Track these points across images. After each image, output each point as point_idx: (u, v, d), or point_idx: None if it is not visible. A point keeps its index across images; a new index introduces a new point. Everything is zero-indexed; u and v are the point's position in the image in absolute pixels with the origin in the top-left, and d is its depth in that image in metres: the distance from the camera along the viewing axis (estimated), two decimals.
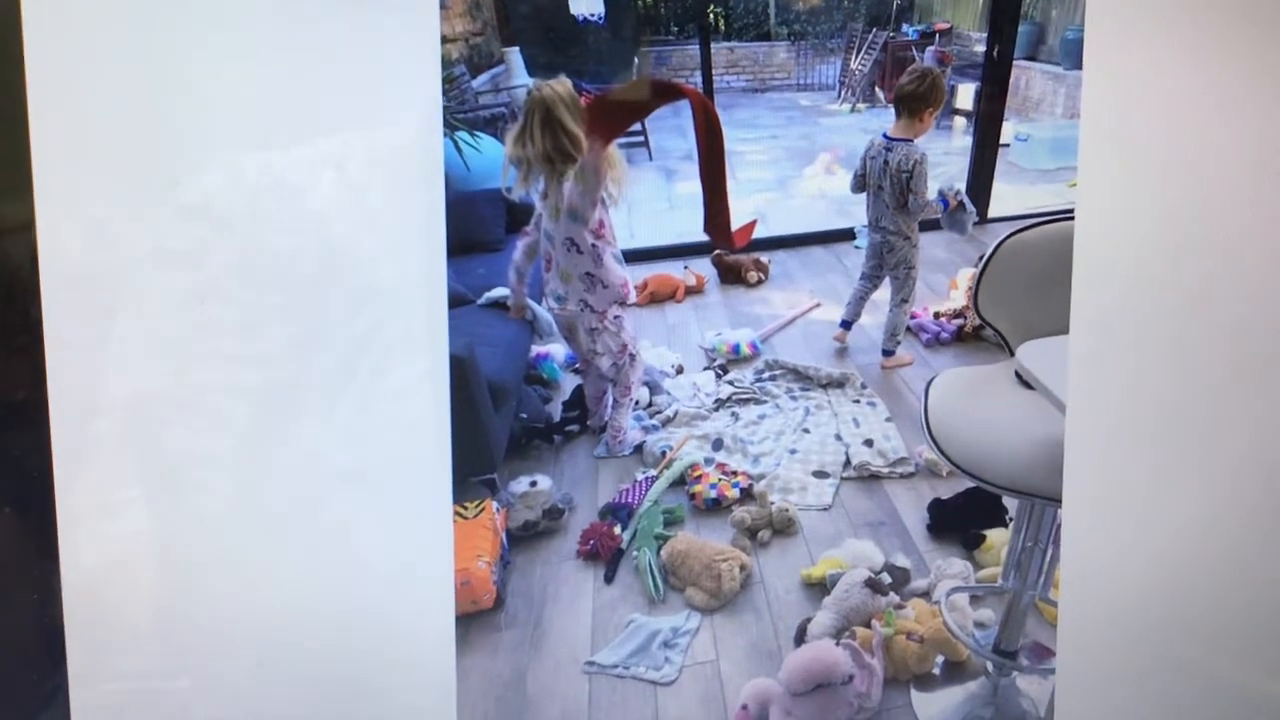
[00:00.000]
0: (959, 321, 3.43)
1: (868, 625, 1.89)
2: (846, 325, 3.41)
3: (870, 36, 9.75)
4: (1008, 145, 6.32)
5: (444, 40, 5.48)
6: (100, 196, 0.71)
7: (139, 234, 0.72)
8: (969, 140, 4.89)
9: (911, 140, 2.88)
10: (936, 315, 3.50)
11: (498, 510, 2.28)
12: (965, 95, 8.10)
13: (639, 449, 2.77)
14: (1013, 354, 1.37)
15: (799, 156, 7.64)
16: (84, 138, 0.70)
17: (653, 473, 2.61)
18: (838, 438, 2.77)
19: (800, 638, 1.93)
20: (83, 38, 0.68)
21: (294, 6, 0.73)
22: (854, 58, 9.93)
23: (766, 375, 3.23)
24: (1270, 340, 0.72)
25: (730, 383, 3.17)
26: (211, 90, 0.72)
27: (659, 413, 2.98)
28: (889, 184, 2.93)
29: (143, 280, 0.73)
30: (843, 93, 10.22)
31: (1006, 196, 5.22)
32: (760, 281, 4.18)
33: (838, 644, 1.78)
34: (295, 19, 0.74)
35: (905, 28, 10.30)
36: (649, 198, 6.34)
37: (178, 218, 0.73)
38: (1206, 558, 0.80)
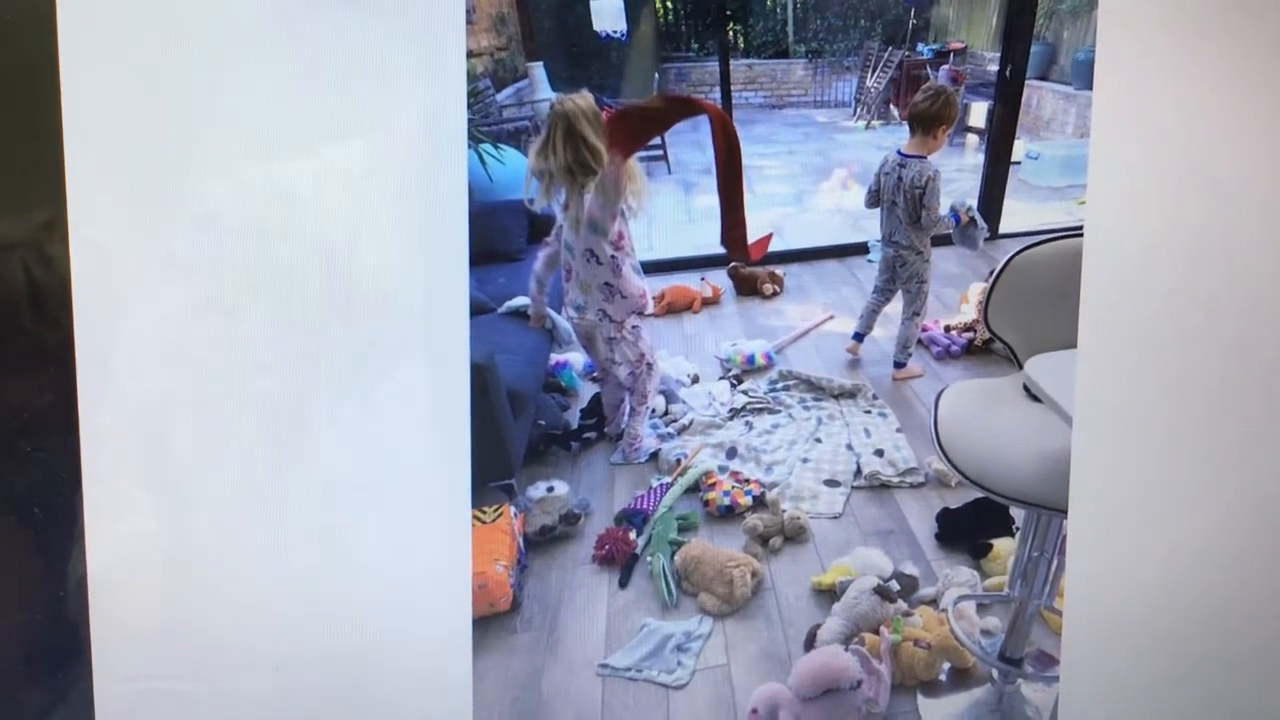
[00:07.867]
0: (969, 335, 3.45)
1: (876, 632, 1.91)
2: (859, 337, 3.44)
3: (886, 55, 9.75)
4: (1019, 163, 6.30)
5: (469, 54, 5.53)
6: (131, 212, 0.73)
7: (163, 246, 0.74)
8: (981, 158, 4.91)
9: (925, 157, 2.91)
10: (947, 329, 3.53)
11: (515, 515, 2.31)
12: (978, 113, 8.06)
13: (655, 456, 2.79)
14: (1021, 367, 1.39)
15: (815, 172, 7.63)
16: (115, 157, 0.72)
17: (668, 480, 2.63)
18: (849, 447, 2.79)
19: (810, 643, 1.95)
20: (118, 62, 0.70)
21: (323, 21, 0.75)
22: (870, 75, 9.93)
23: (780, 385, 3.25)
24: (1277, 356, 0.73)
25: (744, 392, 3.19)
26: (242, 106, 0.75)
27: (674, 421, 3.00)
28: (902, 200, 2.96)
29: (169, 291, 0.75)
30: (858, 110, 10.20)
31: (1017, 213, 5.21)
32: (775, 294, 4.20)
33: (846, 650, 1.81)
34: (324, 34, 0.76)
35: (920, 47, 10.26)
36: (667, 210, 6.34)
37: (211, 231, 0.75)
38: (1210, 569, 0.81)
